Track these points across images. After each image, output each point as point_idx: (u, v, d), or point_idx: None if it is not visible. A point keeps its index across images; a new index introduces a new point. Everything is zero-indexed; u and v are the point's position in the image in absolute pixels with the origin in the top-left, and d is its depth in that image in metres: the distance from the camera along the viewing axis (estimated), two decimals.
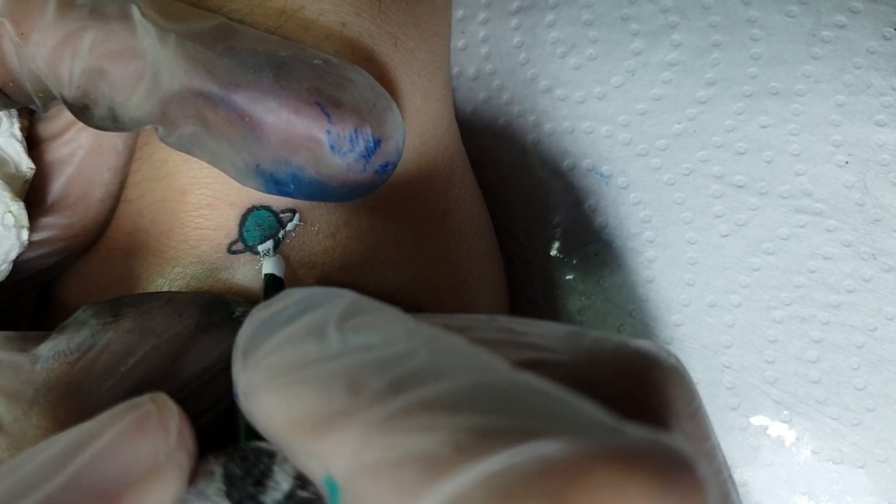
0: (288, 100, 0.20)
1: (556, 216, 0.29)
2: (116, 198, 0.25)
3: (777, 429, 0.27)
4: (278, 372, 0.15)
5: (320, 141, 0.20)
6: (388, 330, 0.15)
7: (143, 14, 0.20)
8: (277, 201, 0.23)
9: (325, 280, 0.23)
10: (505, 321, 0.17)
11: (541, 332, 0.17)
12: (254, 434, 0.17)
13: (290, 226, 0.23)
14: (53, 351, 0.19)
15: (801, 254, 0.27)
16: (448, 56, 0.27)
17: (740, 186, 0.28)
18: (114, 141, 0.24)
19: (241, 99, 0.20)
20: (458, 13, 0.30)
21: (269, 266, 0.22)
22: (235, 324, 0.21)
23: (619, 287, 0.28)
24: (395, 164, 0.21)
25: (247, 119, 0.20)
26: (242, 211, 0.23)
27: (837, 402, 0.26)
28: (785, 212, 0.27)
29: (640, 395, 0.16)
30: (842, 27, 0.27)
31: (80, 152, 0.24)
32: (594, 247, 0.29)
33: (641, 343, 0.17)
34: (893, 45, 0.27)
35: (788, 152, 0.27)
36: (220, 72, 0.20)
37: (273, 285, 0.21)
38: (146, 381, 0.19)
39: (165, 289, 0.23)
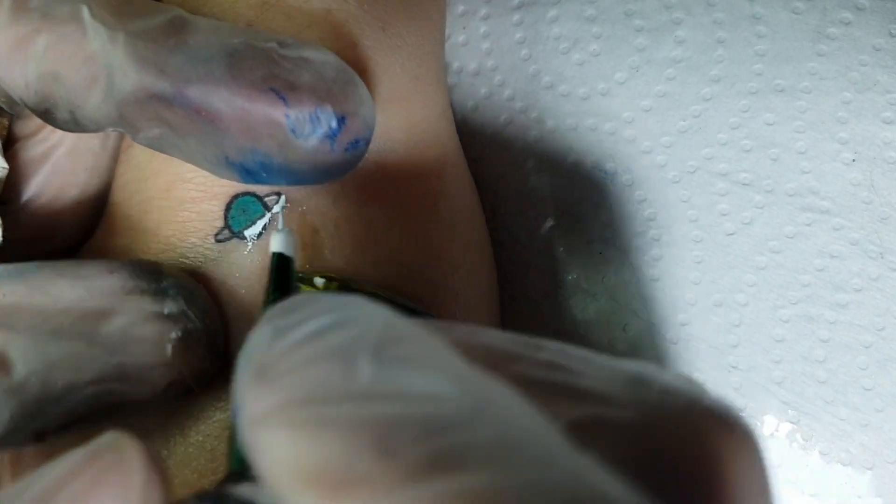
0: (240, 88, 0.19)
1: (559, 214, 0.28)
2: (95, 200, 0.25)
3: (784, 429, 0.26)
4: (296, 402, 0.12)
5: (280, 125, 0.20)
6: (431, 374, 0.13)
7: (92, 14, 0.20)
8: (262, 187, 0.23)
9: (315, 260, 0.23)
10: (556, 350, 0.15)
11: (599, 373, 0.14)
12: (245, 462, 0.15)
13: (276, 208, 0.23)
14: None
15: (808, 252, 0.27)
16: (441, 41, 0.27)
17: (746, 184, 0.27)
18: (91, 141, 0.24)
19: (194, 94, 0.20)
20: (459, 8, 0.30)
21: (276, 243, 0.20)
22: (160, 292, 0.21)
23: (624, 286, 0.28)
24: (366, 140, 0.21)
25: (203, 113, 0.20)
26: (227, 200, 0.23)
27: (845, 403, 0.26)
28: (791, 210, 0.27)
29: (709, 471, 0.14)
30: (847, 24, 0.27)
31: (56, 151, 0.23)
32: (598, 245, 0.28)
33: (714, 398, 0.15)
34: None
35: (794, 150, 0.27)
36: (170, 69, 0.20)
37: (281, 266, 0.20)
38: (69, 332, 0.19)
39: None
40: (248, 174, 0.21)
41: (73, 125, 0.21)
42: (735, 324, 0.27)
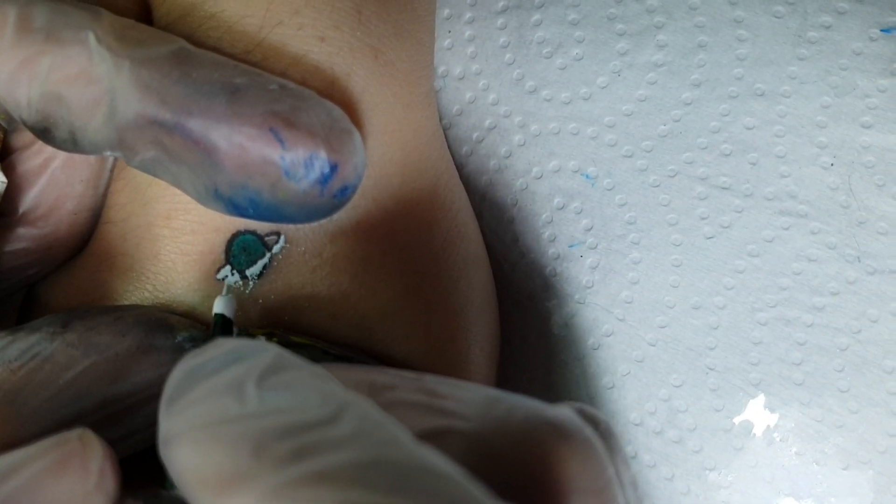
0: (241, 126, 0.20)
1: (542, 218, 0.29)
2: (92, 211, 0.25)
3: (761, 430, 0.27)
4: (197, 424, 0.15)
5: (275, 166, 0.20)
6: (304, 393, 0.16)
7: (98, 39, 0.20)
8: (262, 225, 0.23)
9: (314, 298, 0.23)
10: (431, 381, 0.18)
11: (461, 395, 0.17)
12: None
13: (276, 248, 0.23)
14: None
15: (786, 256, 0.27)
16: (431, 64, 0.27)
17: (725, 188, 0.27)
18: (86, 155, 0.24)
19: (195, 126, 0.20)
20: (444, 12, 0.30)
21: (219, 306, 0.22)
22: (177, 348, 0.21)
23: (605, 288, 0.28)
24: (354, 187, 0.21)
25: (201, 145, 0.20)
26: (227, 236, 0.23)
27: (821, 405, 0.26)
28: (770, 214, 0.27)
29: (540, 471, 0.17)
30: (828, 28, 0.27)
31: (52, 163, 0.24)
32: (579, 249, 0.29)
33: (557, 412, 0.17)
34: (879, 46, 0.27)
35: (773, 154, 0.27)
36: (172, 99, 0.20)
37: (221, 325, 0.21)
38: (83, 396, 0.20)
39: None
40: (234, 207, 0.21)
41: (72, 146, 0.21)
42: (713, 326, 0.27)
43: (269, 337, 0.22)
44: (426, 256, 0.25)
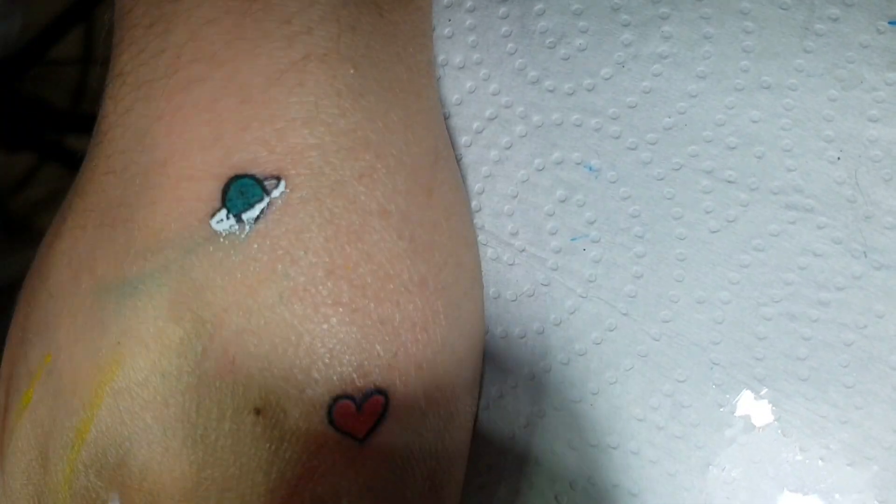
0: None
1: (544, 211, 0.28)
2: None
3: (765, 426, 0.26)
4: None
5: None
6: None
7: None
8: (261, 169, 0.23)
9: (309, 248, 0.23)
10: None
11: None
12: None
13: (275, 193, 0.23)
14: None
15: (792, 251, 0.27)
16: (430, 34, 0.27)
17: (731, 182, 0.27)
18: None
19: None
20: (445, 0, 0.30)
21: None
22: None
23: (608, 282, 0.28)
24: None
25: None
26: (225, 181, 0.23)
27: (826, 400, 0.26)
28: (775, 208, 0.27)
29: None
30: (835, 20, 0.27)
31: None
32: (582, 242, 0.28)
33: None
34: (887, 38, 0.27)
35: (780, 147, 0.27)
36: None
37: None
38: None
39: (159, 261, 0.23)
40: None
41: None
42: (718, 321, 0.27)
43: None
44: (424, 223, 0.24)
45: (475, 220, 0.29)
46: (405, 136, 0.24)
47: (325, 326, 0.23)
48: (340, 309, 0.23)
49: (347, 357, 0.23)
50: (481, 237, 0.29)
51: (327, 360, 0.23)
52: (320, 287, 0.23)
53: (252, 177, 0.23)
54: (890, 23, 0.26)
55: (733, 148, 0.27)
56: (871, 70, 0.26)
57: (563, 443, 0.28)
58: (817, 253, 0.26)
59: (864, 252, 0.26)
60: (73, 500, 0.23)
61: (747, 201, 0.27)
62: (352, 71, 0.23)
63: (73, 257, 0.24)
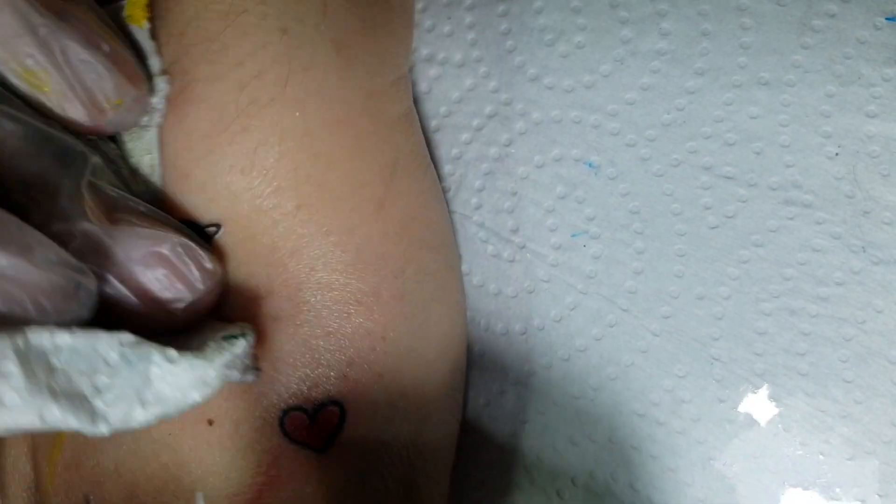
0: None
1: (544, 207, 0.28)
2: None
3: (766, 421, 0.26)
4: None
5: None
6: None
7: None
8: (202, 217, 0.23)
9: (252, 274, 0.23)
10: None
11: None
12: None
13: (216, 237, 0.24)
14: None
15: (791, 246, 0.27)
16: (407, 51, 0.27)
17: (729, 178, 0.27)
18: None
19: None
20: None
21: None
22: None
23: (608, 279, 0.28)
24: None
25: None
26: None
27: (826, 395, 0.26)
28: (774, 203, 0.27)
29: None
30: (832, 16, 0.27)
31: None
32: (582, 239, 0.28)
33: None
34: (884, 34, 0.27)
35: (778, 143, 0.27)
36: None
37: None
38: None
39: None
40: None
41: None
42: (718, 317, 0.27)
43: None
44: (372, 236, 0.25)
45: (476, 217, 0.29)
46: (351, 163, 0.24)
47: (268, 343, 0.23)
48: (283, 325, 0.23)
49: (296, 370, 0.23)
50: (481, 234, 0.29)
51: (273, 374, 0.23)
52: (260, 306, 0.23)
53: (194, 223, 0.23)
54: (887, 19, 0.27)
55: (732, 144, 0.27)
56: (868, 66, 0.27)
57: (564, 439, 0.28)
58: (816, 248, 0.27)
59: (863, 247, 0.26)
60: (55, 496, 0.24)
61: (746, 197, 0.27)
62: (297, 114, 0.23)
63: None
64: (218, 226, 0.23)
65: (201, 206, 0.23)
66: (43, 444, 0.25)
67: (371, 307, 0.24)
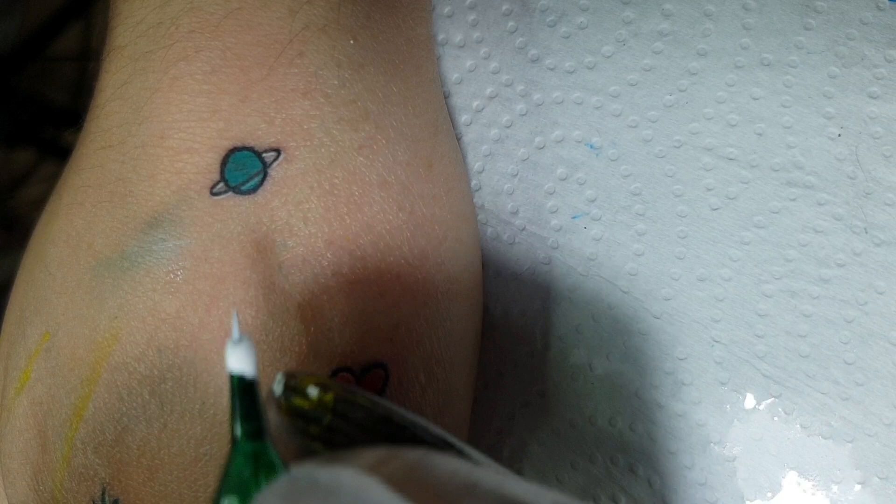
0: None
1: (544, 189, 0.28)
2: None
3: (766, 403, 0.26)
4: None
5: None
6: None
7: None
8: (260, 141, 0.22)
9: (309, 219, 0.22)
10: (509, 485, 0.15)
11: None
12: None
13: (274, 164, 0.22)
14: None
15: (792, 227, 0.27)
16: (429, 6, 0.27)
17: (731, 159, 0.27)
18: None
19: None
20: None
21: (234, 361, 0.16)
22: None
23: (609, 261, 0.28)
24: None
25: None
26: (224, 153, 0.22)
27: (827, 377, 0.26)
28: (776, 185, 0.27)
29: None
30: None
31: None
32: (583, 220, 0.28)
33: None
34: (887, 16, 0.27)
35: (780, 124, 0.27)
36: None
37: (244, 394, 0.16)
38: None
39: (158, 235, 0.22)
40: None
41: None
42: (719, 298, 0.27)
43: (324, 391, 0.19)
44: (424, 196, 0.24)
45: (475, 199, 0.29)
46: (405, 108, 0.24)
47: (324, 297, 0.22)
48: (340, 280, 0.23)
49: (347, 329, 0.23)
50: (481, 216, 0.29)
51: (326, 332, 0.22)
52: (320, 258, 0.23)
53: (251, 149, 0.23)
54: (891, 0, 0.27)
55: (734, 125, 0.27)
56: (871, 47, 0.26)
57: (563, 421, 0.28)
58: (818, 229, 0.26)
59: (865, 228, 0.26)
60: (70, 478, 0.23)
61: (748, 178, 0.27)
62: (352, 41, 0.23)
63: (71, 234, 0.24)
64: (278, 151, 0.23)
65: (259, 130, 0.23)
66: (58, 423, 0.23)
67: (418, 271, 0.24)
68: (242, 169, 0.23)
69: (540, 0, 0.29)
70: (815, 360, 0.26)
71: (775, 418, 0.26)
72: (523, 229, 0.29)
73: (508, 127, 0.29)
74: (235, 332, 0.17)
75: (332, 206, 0.23)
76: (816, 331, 0.26)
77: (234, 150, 0.23)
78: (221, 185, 0.23)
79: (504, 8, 0.29)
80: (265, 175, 0.23)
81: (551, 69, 0.28)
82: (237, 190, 0.23)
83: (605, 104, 0.28)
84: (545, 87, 0.28)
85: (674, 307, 0.27)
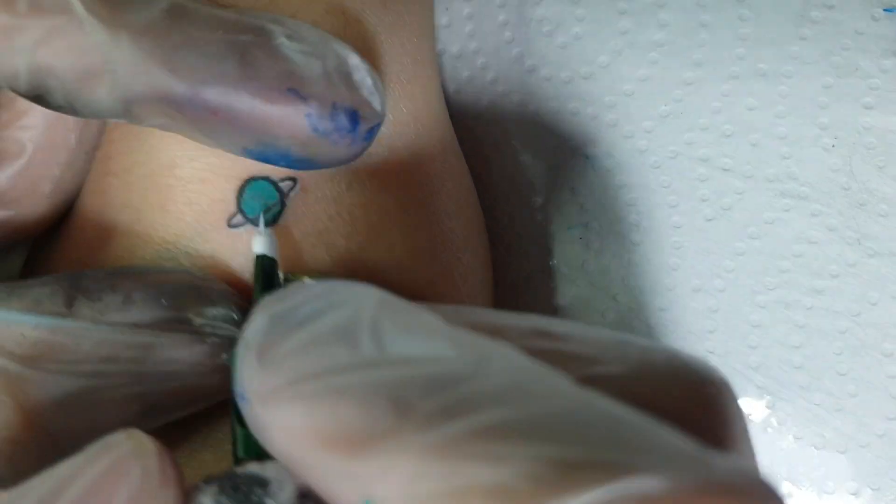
0: (259, 89, 0.19)
1: (540, 198, 0.29)
2: (67, 193, 0.24)
3: (760, 414, 0.26)
4: (305, 377, 0.13)
5: (302, 125, 0.19)
6: (430, 340, 0.14)
7: (87, 9, 0.19)
8: (276, 170, 0.22)
9: (331, 248, 0.22)
10: (537, 320, 0.16)
11: (583, 337, 0.15)
12: (252, 449, 0.16)
13: (291, 194, 0.22)
14: (2, 318, 0.19)
15: (786, 238, 0.27)
16: (432, 23, 0.27)
17: (726, 170, 0.27)
18: (66, 136, 0.23)
19: (211, 95, 0.19)
20: None
21: (259, 245, 0.20)
22: (196, 336, 0.19)
23: (603, 271, 0.28)
24: (379, 125, 0.21)
25: (220, 114, 0.19)
26: (239, 183, 0.22)
27: (820, 388, 0.26)
28: (770, 195, 0.27)
29: (699, 414, 0.15)
30: (830, 8, 0.27)
31: (30, 146, 0.23)
32: (578, 230, 0.28)
33: (689, 355, 0.16)
34: (882, 26, 0.26)
35: (775, 135, 0.27)
36: (182, 68, 0.19)
37: (266, 268, 0.20)
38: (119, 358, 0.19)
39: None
40: (265, 159, 0.20)
41: (70, 111, 0.20)
42: (713, 309, 0.27)
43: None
44: (440, 215, 0.24)
45: None
46: (415, 128, 0.24)
47: None
48: None
49: None
50: None
51: None
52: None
53: (267, 178, 0.22)
54: (885, 10, 0.26)
55: (729, 135, 0.27)
56: (866, 57, 0.26)
57: None
58: (812, 240, 0.26)
59: (858, 239, 0.26)
60: None
61: (742, 189, 0.27)
62: None
63: (73, 262, 0.24)
64: (294, 179, 0.22)
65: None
66: None
67: (437, 288, 0.24)
68: (259, 199, 0.22)
69: (536, 10, 0.29)
70: (809, 370, 0.26)
71: (768, 429, 0.26)
72: (519, 238, 0.29)
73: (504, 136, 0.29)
74: (261, 225, 0.21)
75: (352, 234, 0.23)
76: (810, 342, 0.26)
77: (250, 180, 0.22)
78: (238, 216, 0.22)
79: (501, 18, 0.29)
80: (283, 205, 0.22)
81: (547, 79, 0.29)
82: (255, 222, 0.22)
83: (600, 114, 0.28)
84: (541, 98, 0.29)
85: (668, 318, 0.27)
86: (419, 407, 0.12)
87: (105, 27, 0.19)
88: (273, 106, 0.19)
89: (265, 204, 0.22)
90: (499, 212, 0.29)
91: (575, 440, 0.12)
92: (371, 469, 0.12)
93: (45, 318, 0.19)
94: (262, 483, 0.14)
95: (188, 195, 0.22)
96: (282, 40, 0.20)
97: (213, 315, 0.20)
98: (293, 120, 0.19)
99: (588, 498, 0.11)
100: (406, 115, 0.24)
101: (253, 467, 0.15)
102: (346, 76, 0.20)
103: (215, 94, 0.19)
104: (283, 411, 0.13)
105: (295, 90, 0.19)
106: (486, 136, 0.29)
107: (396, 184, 0.23)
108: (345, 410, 0.13)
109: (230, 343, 0.20)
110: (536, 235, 0.29)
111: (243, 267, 0.22)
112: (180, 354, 0.19)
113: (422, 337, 0.14)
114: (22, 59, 0.19)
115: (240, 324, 0.20)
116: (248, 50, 0.19)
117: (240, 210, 0.22)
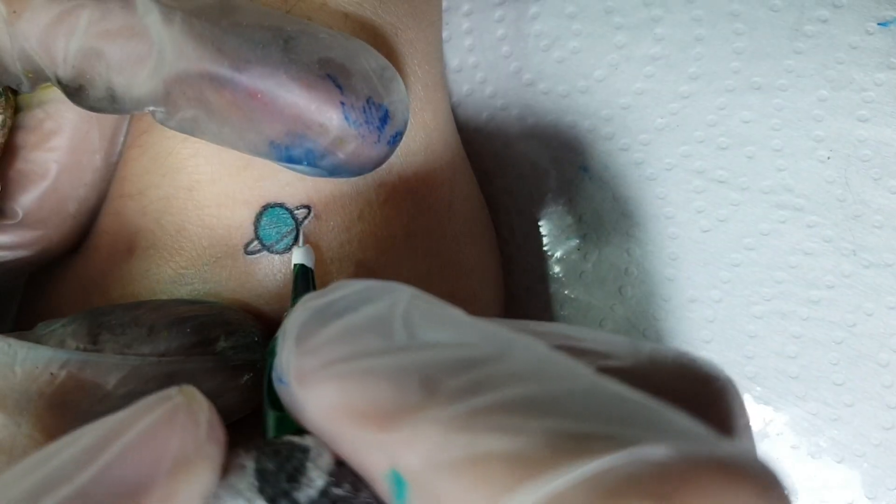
0: (299, 73, 0.19)
1: (539, 211, 0.29)
2: (92, 211, 0.24)
3: (756, 424, 0.27)
4: (340, 360, 0.14)
5: (336, 112, 0.20)
6: (459, 329, 0.14)
7: None
8: (291, 197, 0.22)
9: (342, 274, 0.23)
10: (556, 327, 0.17)
11: (597, 339, 0.16)
12: (284, 429, 0.17)
13: (305, 222, 0.22)
14: (34, 361, 0.19)
15: (782, 249, 0.27)
16: (441, 47, 0.27)
17: (722, 182, 0.27)
18: (92, 157, 0.24)
19: (252, 76, 0.19)
20: (443, 4, 0.30)
21: (298, 256, 0.21)
22: (221, 360, 0.20)
23: (600, 282, 0.28)
24: (402, 134, 0.21)
25: (258, 96, 0.20)
26: (256, 209, 0.22)
27: (816, 398, 0.26)
28: (766, 207, 0.27)
29: (705, 404, 0.16)
30: (825, 22, 0.27)
31: (55, 167, 0.23)
32: (576, 242, 0.28)
33: (696, 355, 0.17)
34: (876, 40, 0.27)
35: (770, 147, 0.27)
36: (229, 49, 0.19)
37: (303, 276, 0.21)
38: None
39: (182, 293, 0.23)
40: (289, 158, 0.21)
41: (108, 103, 0.21)
42: (709, 320, 0.27)
43: None
44: (448, 239, 0.25)
45: None
46: (425, 156, 0.24)
47: None
48: None
49: None
50: None
51: None
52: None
53: (282, 206, 0.22)
54: (879, 24, 0.27)
55: (725, 148, 0.28)
56: (860, 71, 0.27)
57: None
58: (807, 252, 0.27)
59: (854, 250, 0.26)
60: None
61: (738, 201, 0.27)
62: None
63: (86, 280, 0.24)
64: (308, 208, 0.23)
65: (291, 185, 0.23)
66: None
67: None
68: (276, 226, 0.22)
69: (534, 25, 0.29)
70: (805, 381, 0.26)
71: (765, 439, 0.26)
72: (519, 249, 0.29)
73: (503, 149, 0.29)
74: (301, 240, 0.22)
75: (362, 262, 0.23)
76: (806, 352, 0.26)
77: (267, 206, 0.22)
78: (256, 243, 0.22)
79: (499, 33, 0.30)
80: (298, 233, 0.22)
81: (545, 93, 0.29)
82: (271, 249, 0.22)
83: (597, 128, 0.29)
84: (539, 112, 0.29)
85: (664, 328, 0.27)
86: (445, 385, 0.13)
87: (159, 8, 0.20)
88: (311, 91, 0.20)
89: (281, 231, 0.22)
90: (499, 224, 0.29)
91: (590, 416, 0.12)
92: (399, 440, 0.13)
93: (75, 354, 0.19)
94: (303, 449, 0.15)
95: (205, 219, 0.23)
96: (324, 36, 0.20)
97: (235, 340, 0.20)
98: (328, 107, 0.20)
99: (600, 463, 0.12)
100: (417, 144, 0.24)
101: (291, 439, 0.16)
102: (382, 77, 0.20)
103: (256, 75, 0.20)
104: (320, 390, 0.14)
105: (334, 77, 0.20)
106: (485, 150, 0.29)
107: (406, 213, 0.24)
108: (376, 388, 0.14)
109: (251, 366, 0.20)
110: (536, 247, 0.29)
111: (258, 293, 0.22)
112: (204, 378, 0.20)
113: (451, 327, 0.15)
114: (74, 41, 0.20)
115: (261, 346, 0.21)
116: (292, 38, 0.20)
117: (257, 237, 0.22)
